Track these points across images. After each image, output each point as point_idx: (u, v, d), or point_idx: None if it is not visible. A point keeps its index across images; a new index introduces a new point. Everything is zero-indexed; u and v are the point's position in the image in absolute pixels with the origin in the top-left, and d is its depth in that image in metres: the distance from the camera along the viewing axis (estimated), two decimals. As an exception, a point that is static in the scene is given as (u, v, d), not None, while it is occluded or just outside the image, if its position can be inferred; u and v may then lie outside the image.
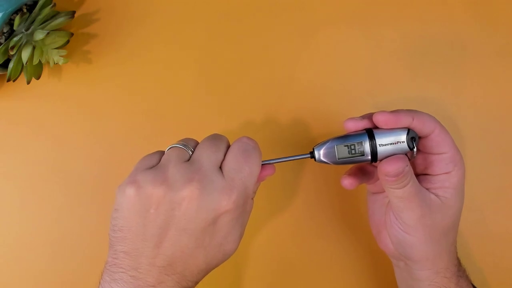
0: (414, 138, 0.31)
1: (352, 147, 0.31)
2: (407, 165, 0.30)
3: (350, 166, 0.36)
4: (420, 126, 0.31)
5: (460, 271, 0.35)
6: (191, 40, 0.47)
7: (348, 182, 0.34)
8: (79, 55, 0.47)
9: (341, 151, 0.32)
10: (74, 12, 0.44)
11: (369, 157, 0.31)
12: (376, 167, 0.35)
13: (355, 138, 0.32)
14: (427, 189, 0.33)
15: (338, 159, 0.32)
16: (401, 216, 0.32)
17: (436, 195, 0.32)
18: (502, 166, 0.44)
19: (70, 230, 0.45)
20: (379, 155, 0.31)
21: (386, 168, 0.30)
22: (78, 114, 0.46)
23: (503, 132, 0.44)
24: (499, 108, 0.45)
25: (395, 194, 0.31)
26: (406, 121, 0.31)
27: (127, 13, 0.47)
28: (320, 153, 0.32)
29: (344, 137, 0.32)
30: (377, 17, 0.46)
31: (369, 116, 0.32)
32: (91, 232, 0.45)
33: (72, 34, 0.44)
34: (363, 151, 0.31)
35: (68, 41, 0.44)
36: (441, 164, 0.32)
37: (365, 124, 0.32)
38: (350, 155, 0.32)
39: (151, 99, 0.46)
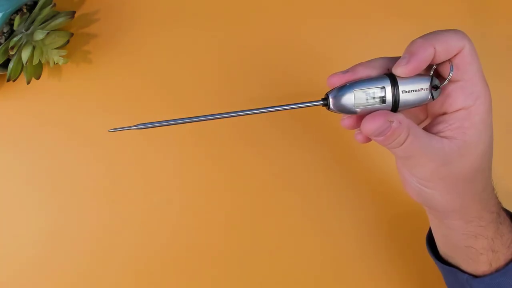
0: (436, 86, 0.27)
1: (372, 93, 0.27)
2: (392, 121, 0.26)
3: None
4: (445, 51, 0.26)
5: (500, 217, 0.31)
6: (192, 40, 0.47)
7: (361, 137, 0.30)
8: (79, 55, 0.47)
9: (360, 97, 0.27)
10: (74, 12, 0.44)
11: (390, 106, 0.27)
12: None
13: (376, 83, 0.27)
14: (442, 132, 0.28)
15: (356, 106, 0.27)
16: (413, 173, 0.29)
17: (453, 139, 0.27)
18: (502, 166, 0.44)
19: (70, 230, 0.45)
20: (401, 103, 0.27)
21: (365, 127, 0.27)
22: (78, 114, 0.46)
23: (503, 132, 0.44)
24: (499, 108, 0.45)
25: (396, 154, 0.28)
26: (428, 58, 0.26)
27: (127, 13, 0.47)
28: (335, 99, 0.28)
29: (363, 82, 0.27)
30: (377, 17, 0.46)
31: (352, 69, 0.28)
32: (91, 232, 0.45)
33: (72, 34, 0.44)
34: (385, 98, 0.27)
35: (68, 41, 0.44)
36: (460, 95, 0.27)
37: (348, 76, 0.28)
38: (369, 103, 0.27)
39: (151, 98, 0.46)
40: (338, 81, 0.28)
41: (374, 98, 0.27)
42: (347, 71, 0.28)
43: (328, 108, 0.28)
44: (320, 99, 0.28)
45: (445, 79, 0.27)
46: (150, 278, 0.45)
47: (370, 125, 0.26)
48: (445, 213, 0.30)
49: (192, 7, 0.47)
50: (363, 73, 0.28)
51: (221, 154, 0.46)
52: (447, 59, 0.27)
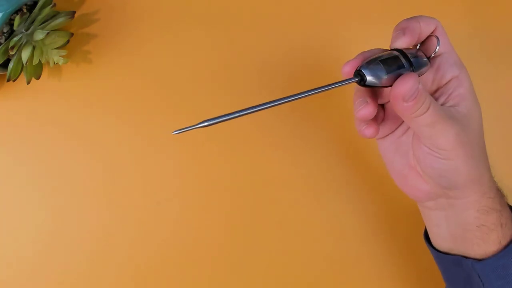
0: (427, 57, 0.31)
1: (391, 61, 0.29)
2: (419, 82, 0.28)
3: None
4: (427, 27, 0.30)
5: (499, 189, 0.33)
6: (192, 40, 0.47)
7: (368, 132, 0.32)
8: (79, 55, 0.47)
9: (385, 67, 0.29)
10: (74, 12, 0.44)
11: (410, 66, 0.30)
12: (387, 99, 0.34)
13: (388, 54, 0.30)
14: (445, 103, 0.31)
15: (387, 74, 0.29)
16: (437, 144, 0.30)
17: (457, 106, 0.30)
18: (502, 166, 0.44)
19: (70, 230, 0.45)
20: (414, 64, 0.30)
21: (399, 89, 0.28)
22: (78, 114, 0.46)
23: (504, 131, 0.44)
24: (499, 108, 0.45)
25: (423, 122, 0.29)
26: (418, 30, 0.30)
27: (127, 12, 0.47)
28: (369, 72, 0.29)
29: (378, 56, 0.30)
30: (377, 17, 0.46)
31: (360, 54, 0.31)
32: (91, 232, 0.45)
33: (72, 34, 0.44)
34: (403, 63, 0.29)
35: (68, 41, 0.44)
36: (447, 66, 0.31)
37: (359, 60, 0.30)
38: (394, 69, 0.29)
39: (151, 98, 0.46)
40: (354, 65, 0.30)
41: (393, 67, 0.29)
42: (356, 56, 0.31)
43: (364, 83, 0.29)
44: (353, 75, 0.30)
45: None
46: (150, 278, 0.45)
47: (403, 86, 0.28)
48: (465, 187, 0.31)
49: (193, 7, 0.47)
50: (369, 55, 0.30)
51: (221, 153, 0.46)
52: (429, 34, 0.31)
